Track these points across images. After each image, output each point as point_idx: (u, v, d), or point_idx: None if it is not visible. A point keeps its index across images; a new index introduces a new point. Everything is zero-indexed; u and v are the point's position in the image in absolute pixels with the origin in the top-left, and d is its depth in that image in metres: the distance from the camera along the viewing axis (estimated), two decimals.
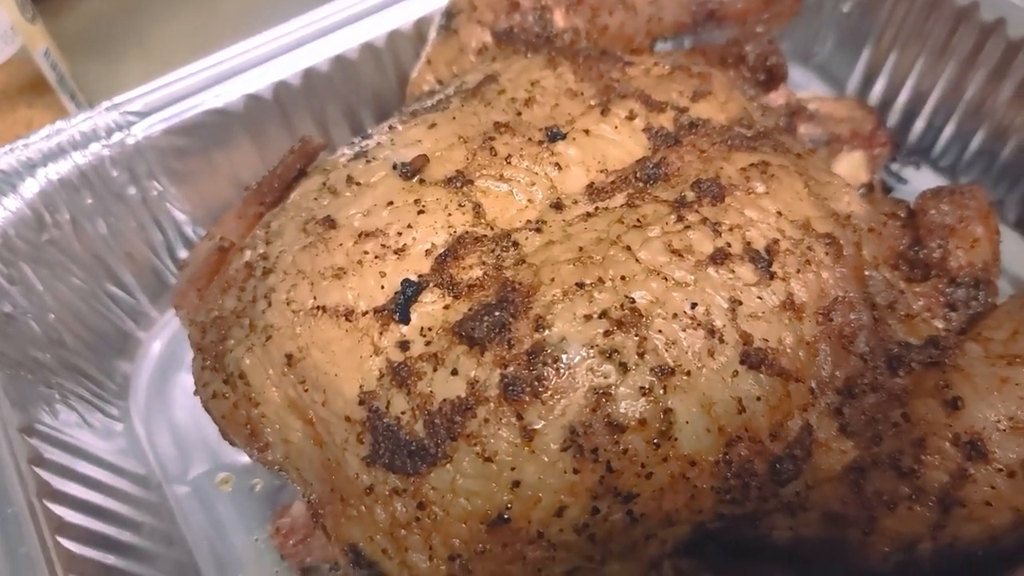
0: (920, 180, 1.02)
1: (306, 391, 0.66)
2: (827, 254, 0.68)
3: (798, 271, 0.66)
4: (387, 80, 1.00)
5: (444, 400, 0.60)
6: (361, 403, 0.63)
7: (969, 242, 0.76)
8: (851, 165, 0.95)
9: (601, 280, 0.63)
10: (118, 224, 0.92)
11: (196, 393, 0.74)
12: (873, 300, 0.70)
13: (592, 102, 0.75)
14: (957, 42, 0.96)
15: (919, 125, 1.03)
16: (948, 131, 1.00)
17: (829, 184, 0.74)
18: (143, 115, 0.91)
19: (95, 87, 1.23)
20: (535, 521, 0.59)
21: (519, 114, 0.74)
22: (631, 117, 0.75)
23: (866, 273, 0.71)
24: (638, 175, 0.71)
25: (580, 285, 0.62)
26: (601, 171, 0.72)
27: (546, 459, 0.59)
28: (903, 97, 1.04)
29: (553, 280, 0.63)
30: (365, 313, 0.64)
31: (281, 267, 0.69)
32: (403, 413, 0.61)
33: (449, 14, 0.91)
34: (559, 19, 0.91)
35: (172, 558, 0.82)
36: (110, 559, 0.76)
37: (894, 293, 0.72)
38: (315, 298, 0.66)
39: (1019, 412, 0.61)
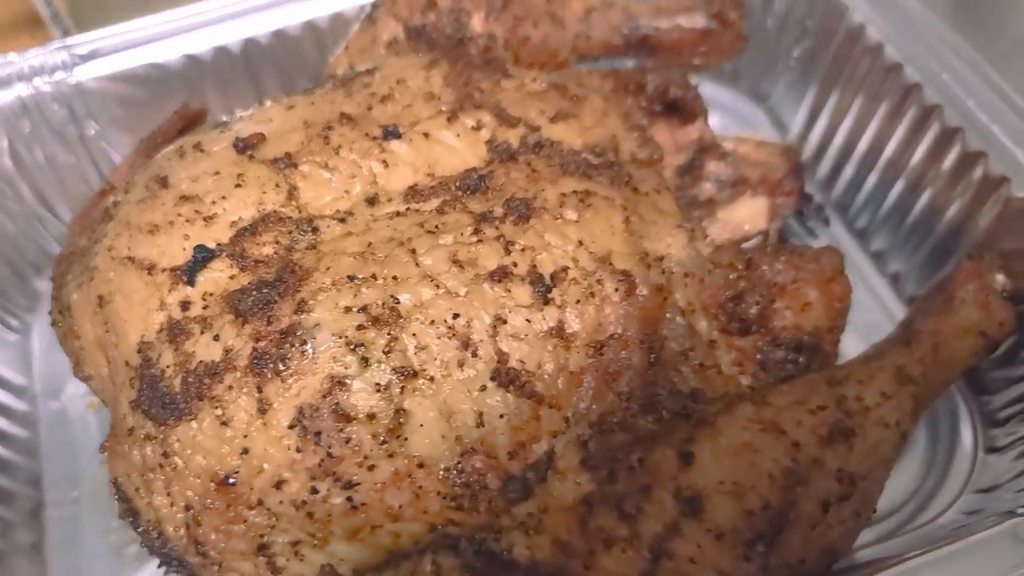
0: (826, 238, 1.00)
1: (107, 332, 0.71)
2: (616, 290, 0.68)
3: (577, 302, 0.67)
4: (326, 60, 1.04)
5: (201, 362, 0.65)
6: (139, 351, 0.68)
7: (799, 305, 0.75)
8: (751, 210, 0.94)
9: (374, 277, 0.66)
10: (55, 156, 1.00)
11: None
12: (662, 343, 0.70)
13: (444, 107, 0.77)
14: (883, 98, 0.93)
15: (847, 174, 1.00)
16: (869, 185, 0.97)
17: (654, 224, 0.74)
18: (87, 59, 0.98)
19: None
20: (257, 489, 0.63)
21: (370, 108, 0.77)
22: (477, 127, 0.77)
23: (667, 316, 0.71)
24: (459, 184, 0.73)
25: (351, 278, 0.65)
26: (428, 174, 0.74)
27: (274, 433, 0.62)
28: (834, 149, 1.01)
29: (329, 269, 0.66)
30: (164, 270, 0.69)
31: (118, 216, 0.75)
32: (168, 367, 0.66)
33: (374, 4, 0.94)
34: (476, 24, 0.93)
35: (28, 468, 0.90)
36: None
37: (693, 341, 0.72)
38: (129, 249, 0.71)
39: (745, 479, 0.61)
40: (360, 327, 0.63)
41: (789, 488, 0.61)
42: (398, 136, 0.74)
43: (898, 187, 0.93)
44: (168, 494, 0.65)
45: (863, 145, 0.97)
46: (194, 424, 0.64)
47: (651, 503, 0.62)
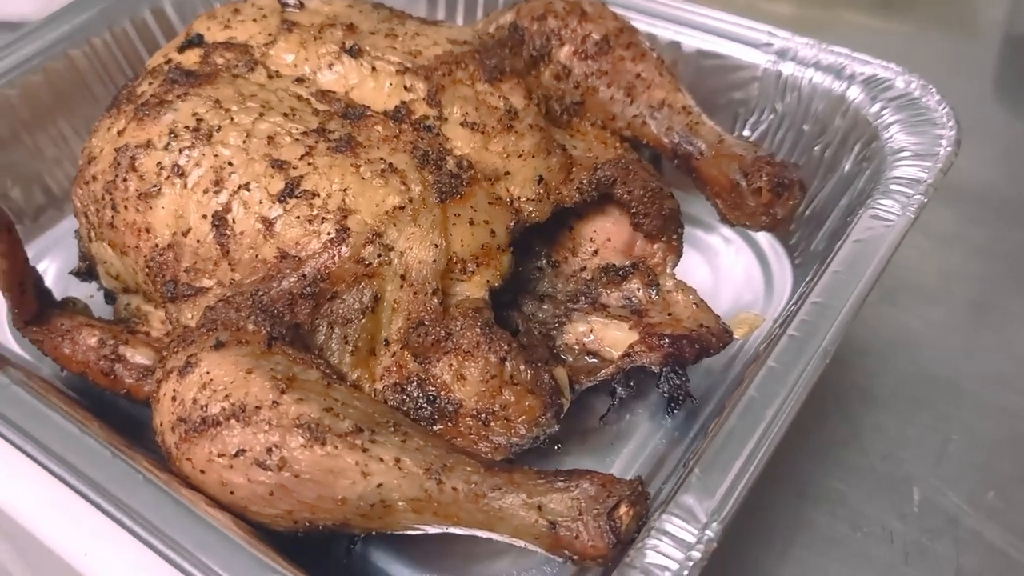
0: (680, 420, 0.93)
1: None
2: (328, 234, 0.82)
3: (298, 218, 0.82)
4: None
5: (136, 90, 0.95)
6: (138, 73, 1.01)
7: (458, 372, 0.80)
8: (619, 338, 0.92)
9: (227, 111, 0.89)
10: None
11: None
12: (330, 295, 0.81)
13: (408, 64, 0.93)
14: None
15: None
16: None
17: (418, 230, 0.82)
18: None
19: None
20: (89, 175, 0.93)
21: (373, 33, 0.97)
22: (407, 89, 0.92)
23: (358, 286, 0.82)
24: (346, 108, 0.90)
25: (216, 101, 0.89)
26: (346, 91, 0.93)
27: (113, 147, 0.91)
28: None
29: (217, 89, 0.91)
30: (184, 39, 1.00)
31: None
32: (132, 86, 0.98)
33: None
34: (563, 54, 1.03)
35: None
36: None
37: (357, 319, 0.82)
38: (197, 20, 1.03)
39: (217, 382, 0.73)
40: (186, 127, 0.88)
41: (227, 413, 0.72)
42: (354, 55, 0.94)
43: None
44: (85, 151, 0.99)
45: None
46: (107, 120, 0.95)
47: (180, 352, 0.78)
